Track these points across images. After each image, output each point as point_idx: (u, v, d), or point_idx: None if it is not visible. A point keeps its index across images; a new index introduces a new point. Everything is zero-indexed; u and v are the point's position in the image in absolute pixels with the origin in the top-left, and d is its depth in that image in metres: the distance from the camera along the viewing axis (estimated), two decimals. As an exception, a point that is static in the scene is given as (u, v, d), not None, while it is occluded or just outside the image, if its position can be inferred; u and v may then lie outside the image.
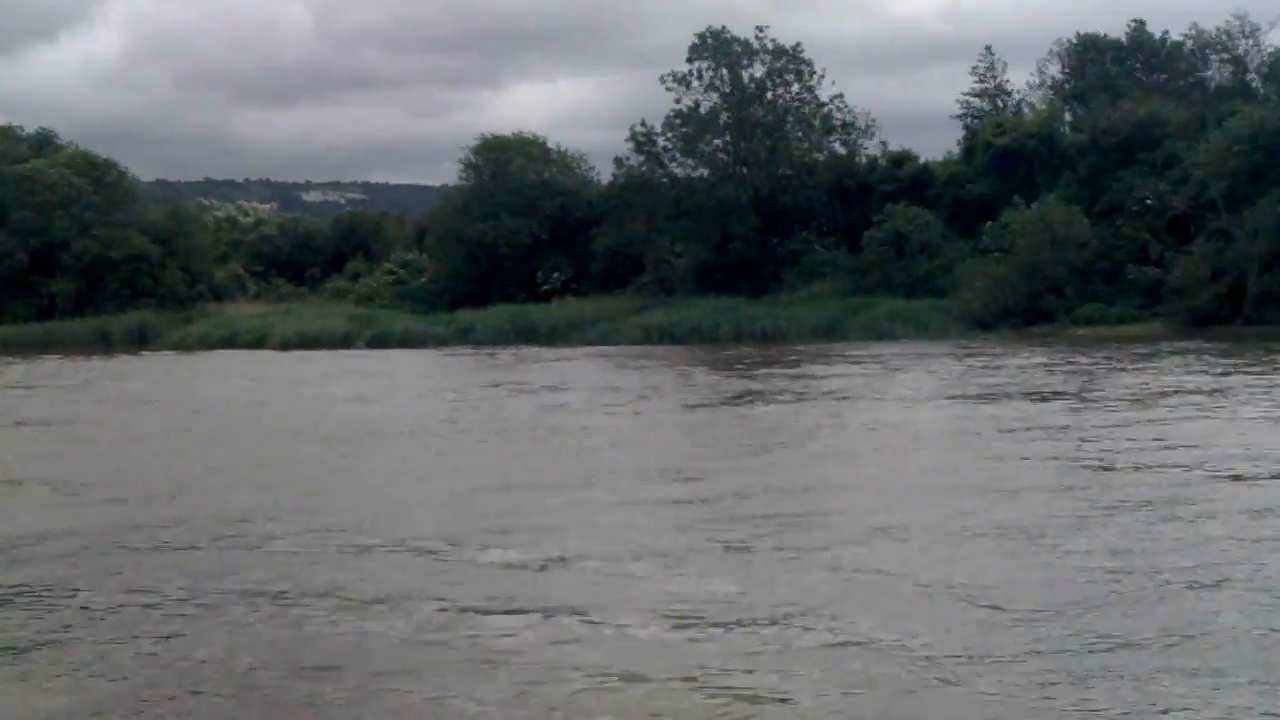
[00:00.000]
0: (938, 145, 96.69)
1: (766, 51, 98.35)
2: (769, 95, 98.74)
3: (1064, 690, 11.88)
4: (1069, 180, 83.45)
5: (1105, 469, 24.97)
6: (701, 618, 14.67)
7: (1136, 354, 54.96)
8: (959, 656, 12.94)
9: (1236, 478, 23.26)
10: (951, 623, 14.23)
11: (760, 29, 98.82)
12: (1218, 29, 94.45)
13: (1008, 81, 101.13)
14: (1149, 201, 78.04)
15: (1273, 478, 23.15)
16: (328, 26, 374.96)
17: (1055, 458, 26.62)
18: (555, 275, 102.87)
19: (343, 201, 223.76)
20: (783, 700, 12.01)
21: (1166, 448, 27.31)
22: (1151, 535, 18.40)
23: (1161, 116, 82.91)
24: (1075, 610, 14.42)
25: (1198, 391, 38.47)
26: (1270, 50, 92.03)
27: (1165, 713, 11.36)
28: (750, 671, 12.72)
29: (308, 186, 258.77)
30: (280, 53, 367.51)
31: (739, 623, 14.44)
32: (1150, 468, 24.75)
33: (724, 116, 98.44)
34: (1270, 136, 72.00)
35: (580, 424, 36.03)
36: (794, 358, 60.93)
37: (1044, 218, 78.16)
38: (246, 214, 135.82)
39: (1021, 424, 32.25)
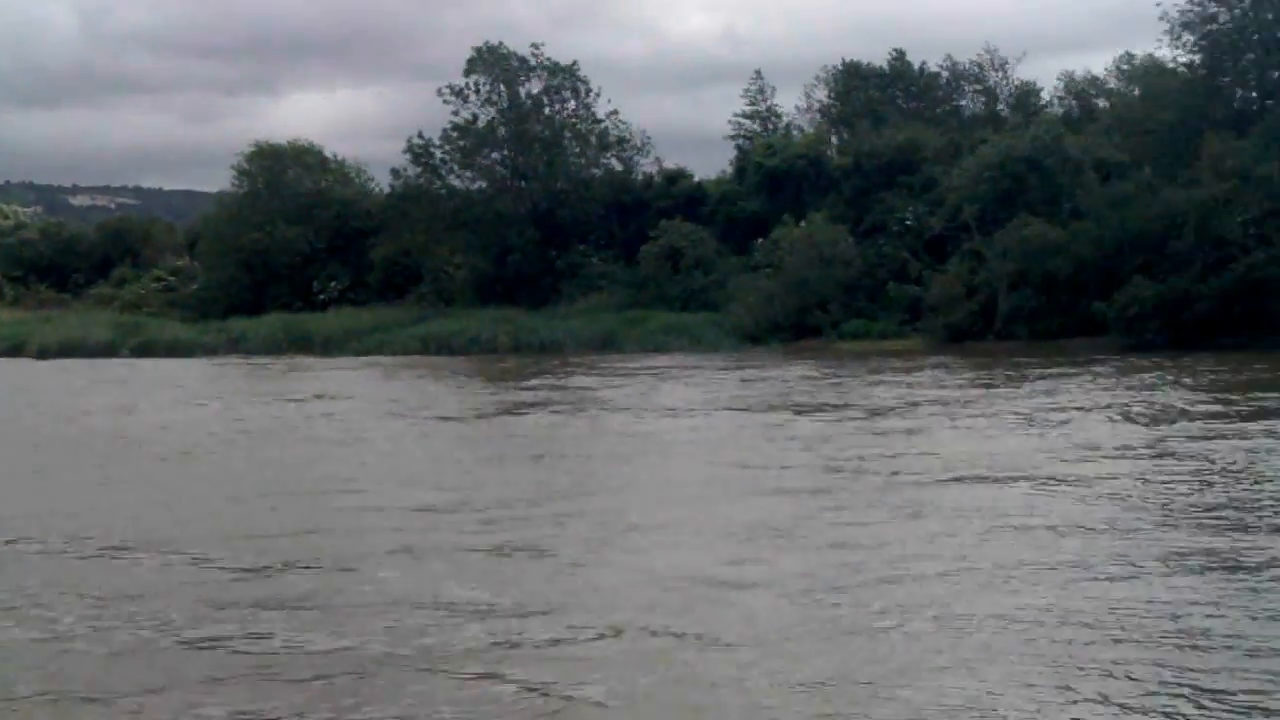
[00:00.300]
0: (716, 164, 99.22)
1: (543, 68, 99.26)
2: (546, 111, 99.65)
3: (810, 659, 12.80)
4: (835, 200, 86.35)
5: (854, 473, 26.33)
6: (451, 614, 15.31)
7: (895, 367, 57.34)
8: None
9: (961, 479, 24.92)
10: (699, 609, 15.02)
11: (536, 46, 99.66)
12: (971, 61, 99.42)
13: (778, 105, 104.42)
14: (909, 222, 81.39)
15: (987, 481, 24.79)
16: (95, 28, 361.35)
17: (808, 464, 27.94)
18: (332, 285, 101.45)
19: (113, 206, 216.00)
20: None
21: (909, 454, 28.96)
22: (881, 531, 19.76)
23: (920, 142, 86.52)
24: (818, 590, 15.46)
25: (945, 403, 40.64)
26: (1018, 83, 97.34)
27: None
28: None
29: (75, 190, 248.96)
30: (44, 53, 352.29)
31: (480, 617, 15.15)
32: (891, 473, 26.14)
33: (501, 131, 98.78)
34: (1016, 163, 75.78)
35: (344, 433, 35.91)
36: (570, 369, 61.52)
37: (811, 236, 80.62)
38: (5, 216, 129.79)
39: (782, 433, 33.74)
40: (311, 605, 15.70)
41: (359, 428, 36.76)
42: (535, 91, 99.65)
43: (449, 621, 14.76)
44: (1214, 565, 16.95)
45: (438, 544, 19.59)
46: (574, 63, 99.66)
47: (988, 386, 46.30)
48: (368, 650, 13.87)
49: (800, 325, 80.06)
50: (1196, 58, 75.16)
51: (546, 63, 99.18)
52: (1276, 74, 73.54)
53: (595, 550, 19.28)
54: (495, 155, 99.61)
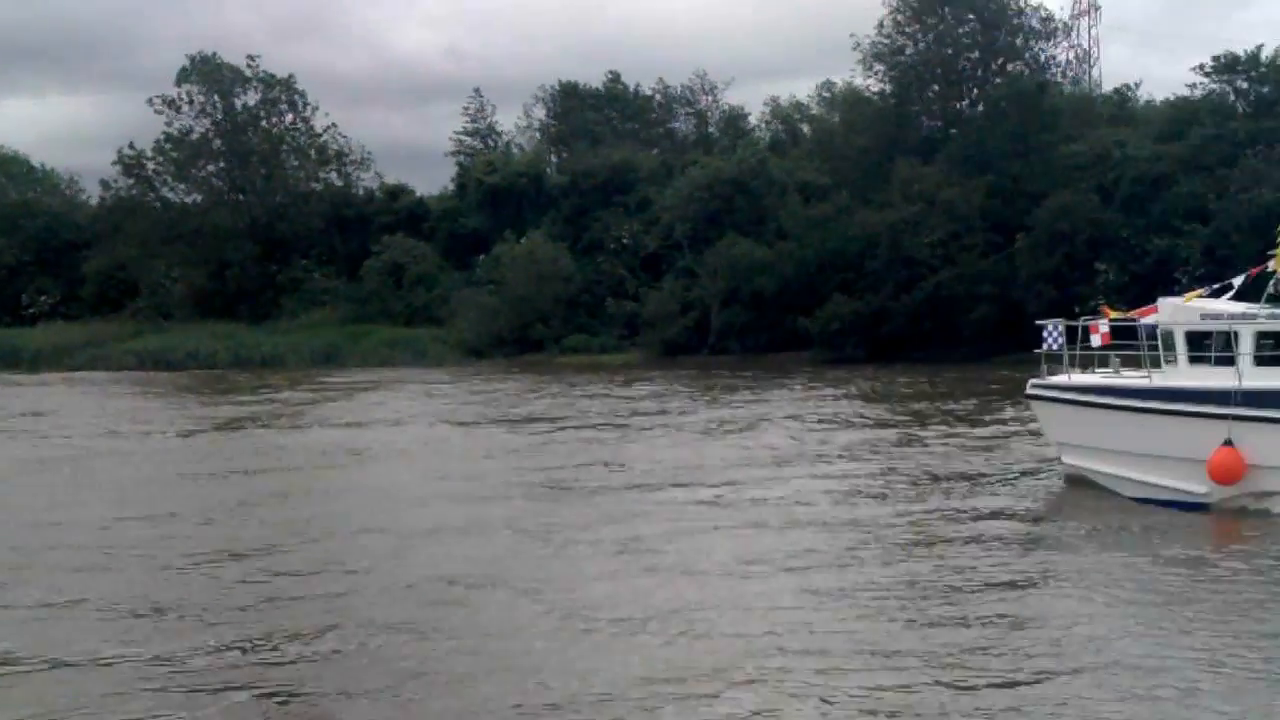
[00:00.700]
0: (442, 180, 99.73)
1: (259, 80, 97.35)
2: (263, 123, 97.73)
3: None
4: (554, 218, 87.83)
5: (553, 480, 28.08)
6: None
7: (612, 380, 59.15)
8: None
9: (653, 485, 27.05)
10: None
11: (252, 58, 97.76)
12: (683, 85, 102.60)
13: (498, 123, 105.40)
14: (625, 240, 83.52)
15: (683, 485, 26.73)
16: None
17: (518, 472, 29.44)
18: (42, 298, 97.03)
19: None
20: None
21: (615, 461, 31.00)
22: (586, 533, 21.02)
23: (634, 162, 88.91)
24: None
25: (654, 413, 42.98)
26: (727, 107, 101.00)
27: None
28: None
29: None
30: None
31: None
32: (598, 481, 27.99)
33: (217, 143, 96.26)
34: (724, 185, 78.85)
35: (49, 451, 35.16)
36: (290, 384, 60.95)
37: (532, 253, 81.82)
38: None
39: (498, 444, 35.18)
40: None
41: (60, 446, 35.98)
42: (251, 103, 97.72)
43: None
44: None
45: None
46: (290, 75, 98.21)
47: (695, 398, 48.60)
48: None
49: (523, 340, 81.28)
50: (888, 87, 79.75)
51: (263, 74, 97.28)
52: (958, 104, 78.77)
53: (308, 550, 20.74)
54: (211, 167, 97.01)
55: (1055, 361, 25.64)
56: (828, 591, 17.57)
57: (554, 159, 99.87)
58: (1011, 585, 17.87)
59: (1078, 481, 25.62)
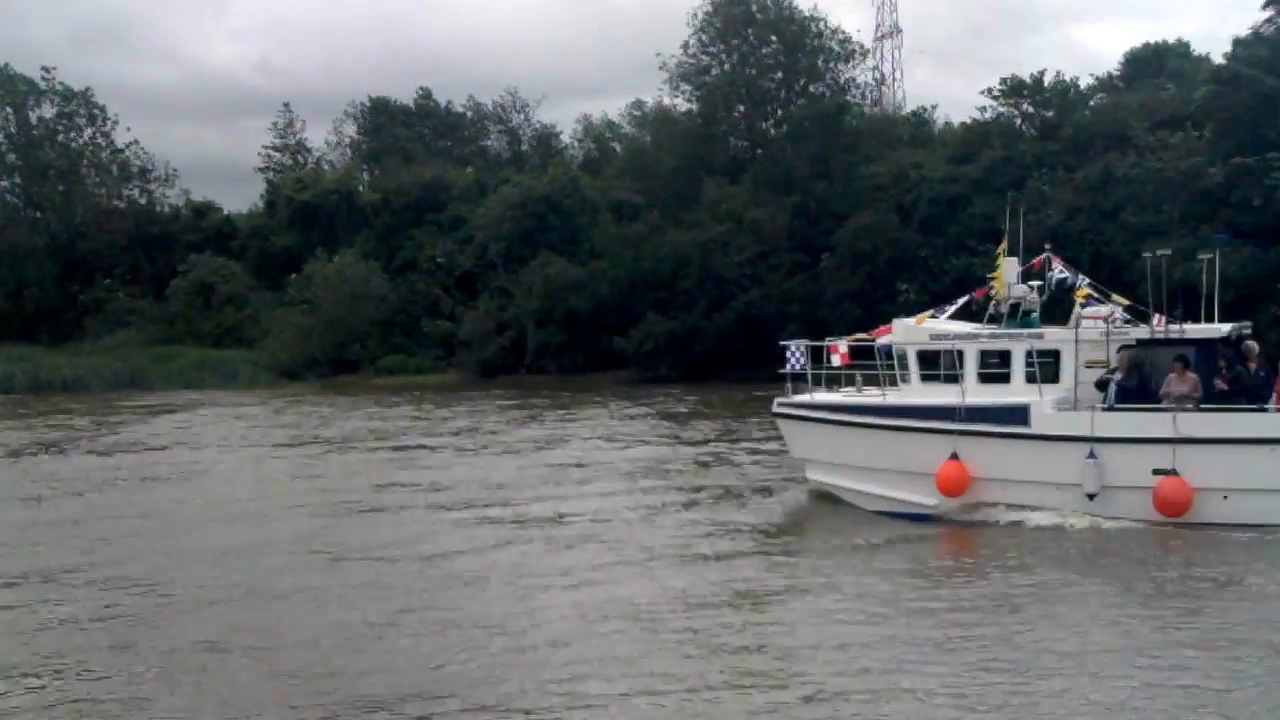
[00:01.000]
0: (253, 197, 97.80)
1: (55, 93, 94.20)
2: (60, 138, 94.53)
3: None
4: (367, 237, 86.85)
5: (344, 506, 28.08)
6: None
7: (428, 400, 58.97)
8: None
9: (438, 505, 27.54)
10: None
11: (47, 69, 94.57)
12: (494, 102, 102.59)
13: (308, 139, 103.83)
14: (440, 260, 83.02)
15: (475, 505, 26.99)
16: None
17: (320, 492, 29.58)
18: None
19: None
20: None
21: (422, 481, 31.30)
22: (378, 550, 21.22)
23: (447, 180, 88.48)
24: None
25: (463, 432, 43.31)
26: (539, 125, 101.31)
27: None
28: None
29: None
30: None
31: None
32: (388, 501, 28.37)
33: (11, 157, 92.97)
34: (537, 203, 79.07)
35: None
36: (90, 408, 59.09)
37: (343, 272, 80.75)
38: None
39: (298, 467, 35.13)
40: None
41: None
42: (48, 117, 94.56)
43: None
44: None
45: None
46: (87, 88, 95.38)
47: (503, 419, 48.66)
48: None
49: (337, 361, 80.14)
50: (695, 107, 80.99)
51: (59, 87, 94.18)
52: (764, 125, 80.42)
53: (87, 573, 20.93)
54: (5, 183, 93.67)
55: (804, 380, 26.58)
56: (593, 604, 18.19)
57: (366, 176, 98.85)
58: (758, 595, 18.62)
59: (823, 495, 26.70)
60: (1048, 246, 27.19)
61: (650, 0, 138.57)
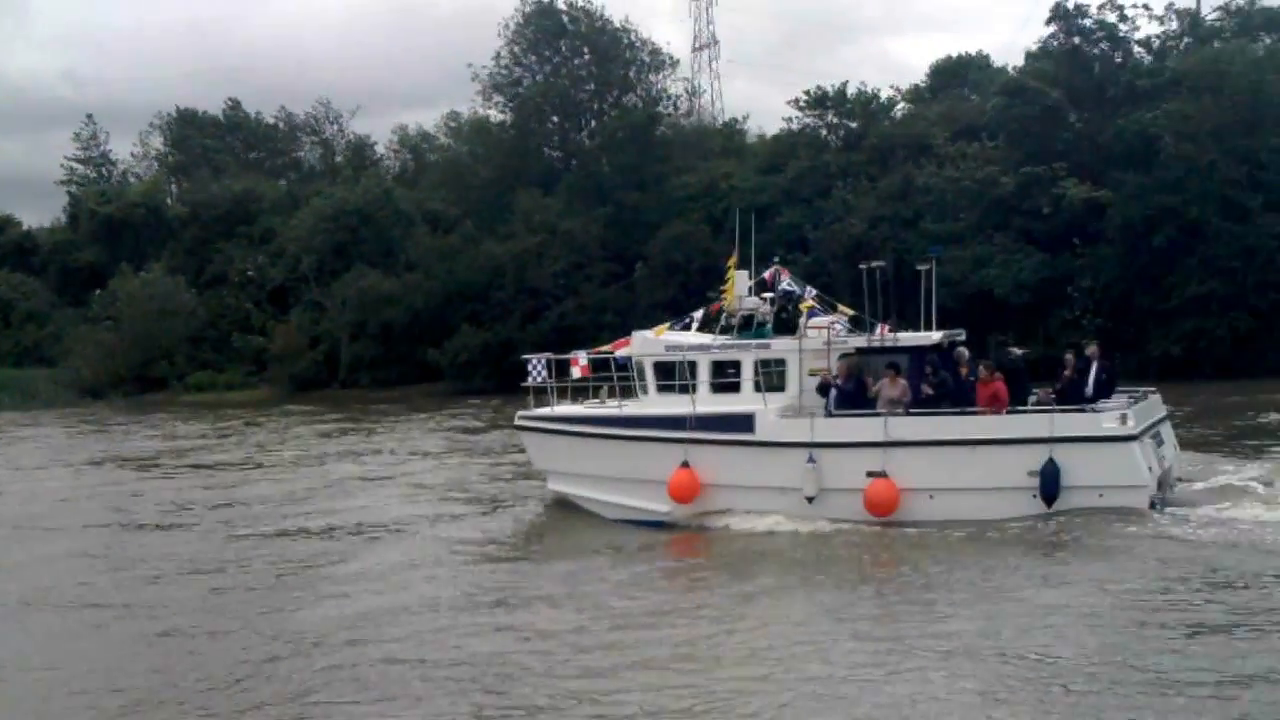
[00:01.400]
0: (57, 211, 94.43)
1: None
2: None
3: None
4: (175, 250, 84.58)
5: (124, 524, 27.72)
6: None
7: (233, 417, 57.53)
8: None
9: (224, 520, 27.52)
10: None
11: None
12: (306, 113, 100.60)
13: (113, 150, 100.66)
14: (250, 273, 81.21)
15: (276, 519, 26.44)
16: None
17: (123, 512, 28.77)
18: None
19: None
20: None
21: (224, 499, 30.91)
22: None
23: (257, 192, 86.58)
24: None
25: (270, 447, 42.53)
26: (353, 136, 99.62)
27: None
28: None
29: None
30: None
31: None
32: (171, 519, 28.15)
33: None
34: (349, 216, 77.81)
35: None
36: None
37: (149, 286, 78.41)
38: None
39: (81, 485, 34.56)
40: None
41: None
42: None
43: None
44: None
45: None
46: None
47: (306, 434, 47.93)
48: None
49: (144, 378, 77.69)
50: (509, 118, 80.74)
51: None
52: (577, 135, 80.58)
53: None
54: None
55: (565, 393, 26.90)
56: (364, 612, 18.37)
57: (175, 189, 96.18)
58: (499, 602, 18.92)
59: (565, 505, 26.98)
60: (775, 260, 27.83)
61: (467, 10, 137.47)
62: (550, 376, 26.42)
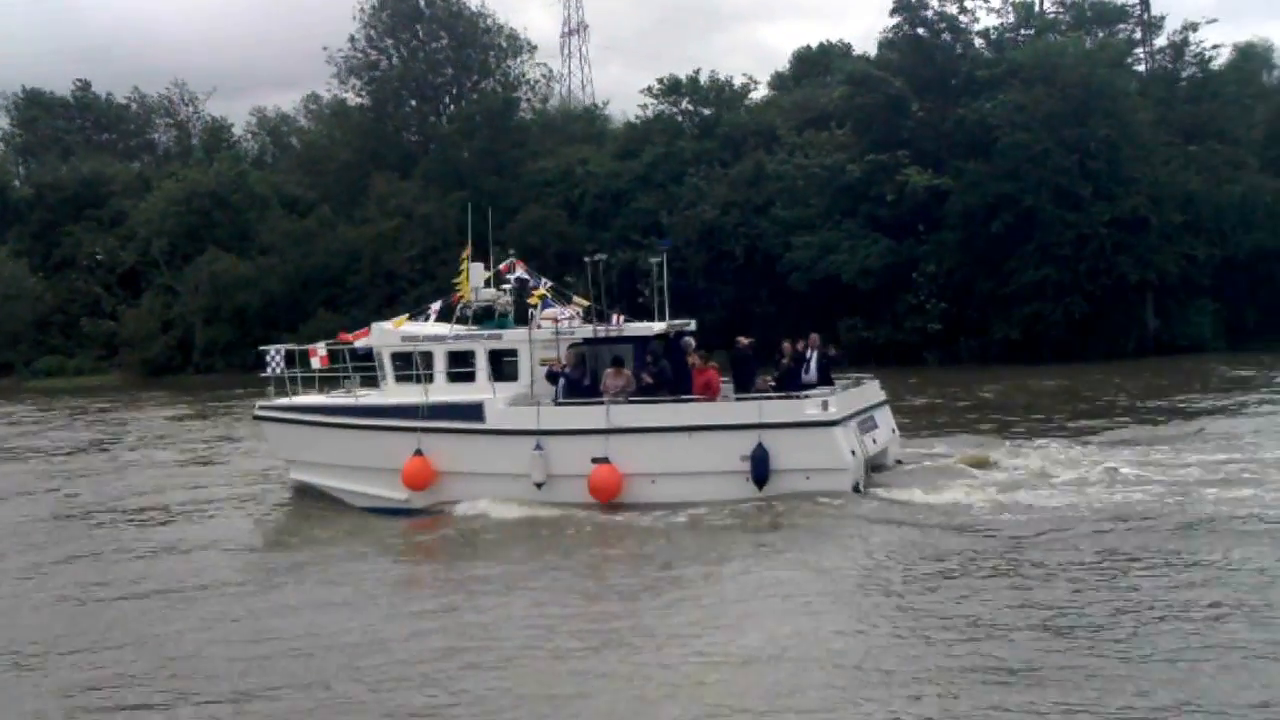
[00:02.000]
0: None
1: None
2: None
3: None
4: (21, 234, 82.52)
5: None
6: None
7: (78, 406, 56.53)
8: None
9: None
10: None
11: None
12: (160, 94, 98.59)
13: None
14: (100, 257, 79.55)
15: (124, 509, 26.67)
16: None
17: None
18: None
19: None
20: None
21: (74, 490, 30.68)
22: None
23: (107, 175, 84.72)
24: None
25: (118, 440, 42.01)
26: (210, 118, 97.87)
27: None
28: None
29: None
30: None
31: None
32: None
33: None
34: (202, 198, 76.71)
35: None
36: None
37: (-6, 270, 76.43)
38: None
39: None
40: None
41: None
42: None
43: None
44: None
45: None
46: None
47: (146, 421, 47.57)
48: None
49: (-11, 364, 75.90)
50: (366, 101, 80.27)
51: None
52: (434, 119, 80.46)
53: None
54: None
55: (295, 383, 27.37)
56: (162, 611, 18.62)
57: (22, 170, 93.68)
58: (236, 585, 19.85)
59: (310, 493, 27.59)
60: (511, 252, 28.98)
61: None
62: (293, 366, 26.90)
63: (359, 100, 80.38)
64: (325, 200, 76.65)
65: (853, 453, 23.59)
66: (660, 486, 23.67)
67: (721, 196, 64.68)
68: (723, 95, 71.19)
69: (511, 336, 25.69)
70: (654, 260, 26.76)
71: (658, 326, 25.67)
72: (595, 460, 23.80)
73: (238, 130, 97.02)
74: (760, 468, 23.14)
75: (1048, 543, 19.45)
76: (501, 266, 27.91)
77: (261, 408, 27.90)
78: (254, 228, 76.20)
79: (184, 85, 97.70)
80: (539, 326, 25.56)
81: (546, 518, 23.41)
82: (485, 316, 27.21)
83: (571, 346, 25.35)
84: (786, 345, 26.40)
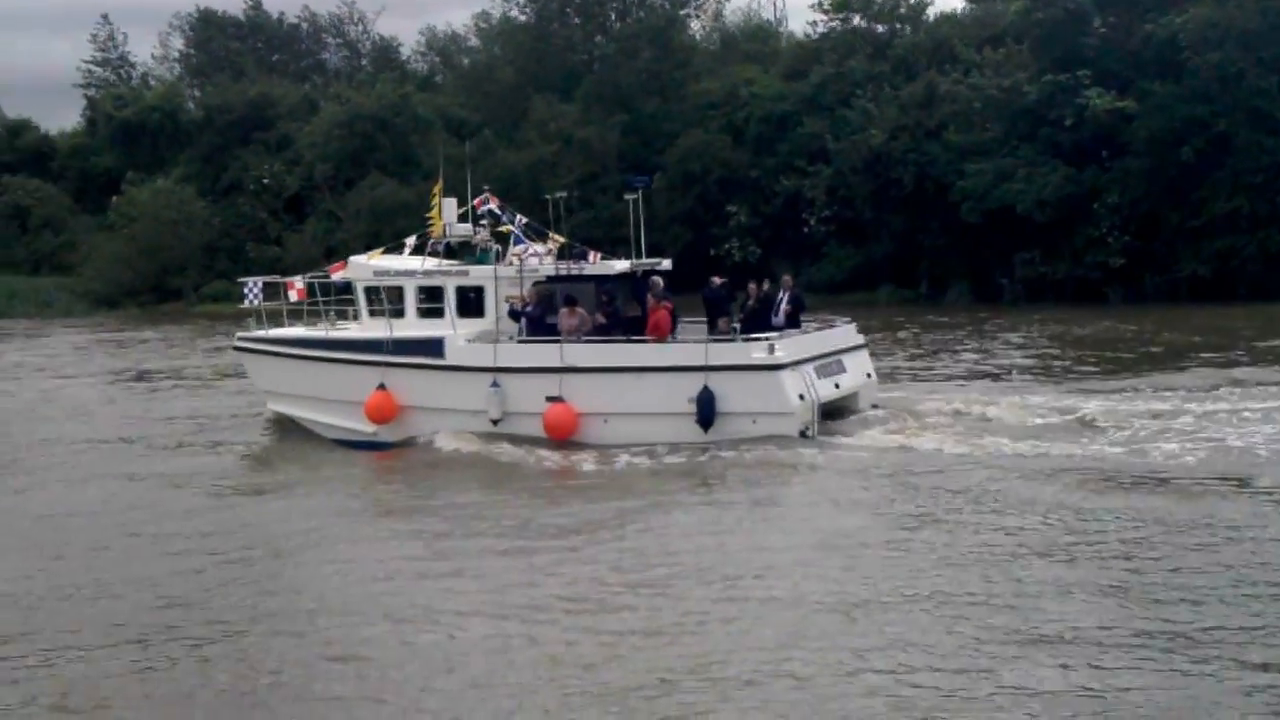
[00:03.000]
0: (74, 116, 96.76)
1: None
2: None
3: None
4: (191, 157, 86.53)
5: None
6: None
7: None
8: None
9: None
10: None
11: None
12: (330, 14, 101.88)
13: (132, 52, 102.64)
14: (266, 181, 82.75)
15: None
16: None
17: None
18: None
19: None
20: None
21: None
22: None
23: (275, 97, 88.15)
24: None
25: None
26: (378, 37, 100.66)
27: None
28: None
29: None
30: None
31: None
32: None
33: None
34: (365, 121, 79.25)
35: None
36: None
37: (161, 194, 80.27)
38: None
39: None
40: None
41: None
42: None
43: None
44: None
45: None
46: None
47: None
48: None
49: (159, 289, 79.74)
50: (530, 18, 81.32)
51: None
52: (598, 38, 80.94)
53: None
54: None
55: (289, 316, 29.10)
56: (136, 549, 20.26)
57: (197, 93, 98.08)
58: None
59: (288, 424, 29.51)
60: (486, 189, 29.81)
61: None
62: (274, 299, 28.73)
63: (524, 18, 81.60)
64: (488, 124, 78.23)
65: (800, 397, 24.57)
66: (612, 426, 25.09)
67: (891, 120, 64.00)
68: (897, 11, 70.20)
69: (478, 273, 27.13)
70: (629, 197, 27.97)
71: (619, 265, 26.87)
72: (550, 399, 25.20)
73: (406, 51, 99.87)
74: (706, 410, 24.45)
75: (955, 489, 20.68)
76: (475, 201, 29.02)
77: (241, 339, 29.92)
78: (415, 152, 78.45)
79: (353, 3, 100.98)
80: (510, 263, 26.85)
81: (504, 454, 25.05)
82: (464, 252, 28.77)
83: (535, 284, 26.56)
84: (753, 286, 27.51)
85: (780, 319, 26.73)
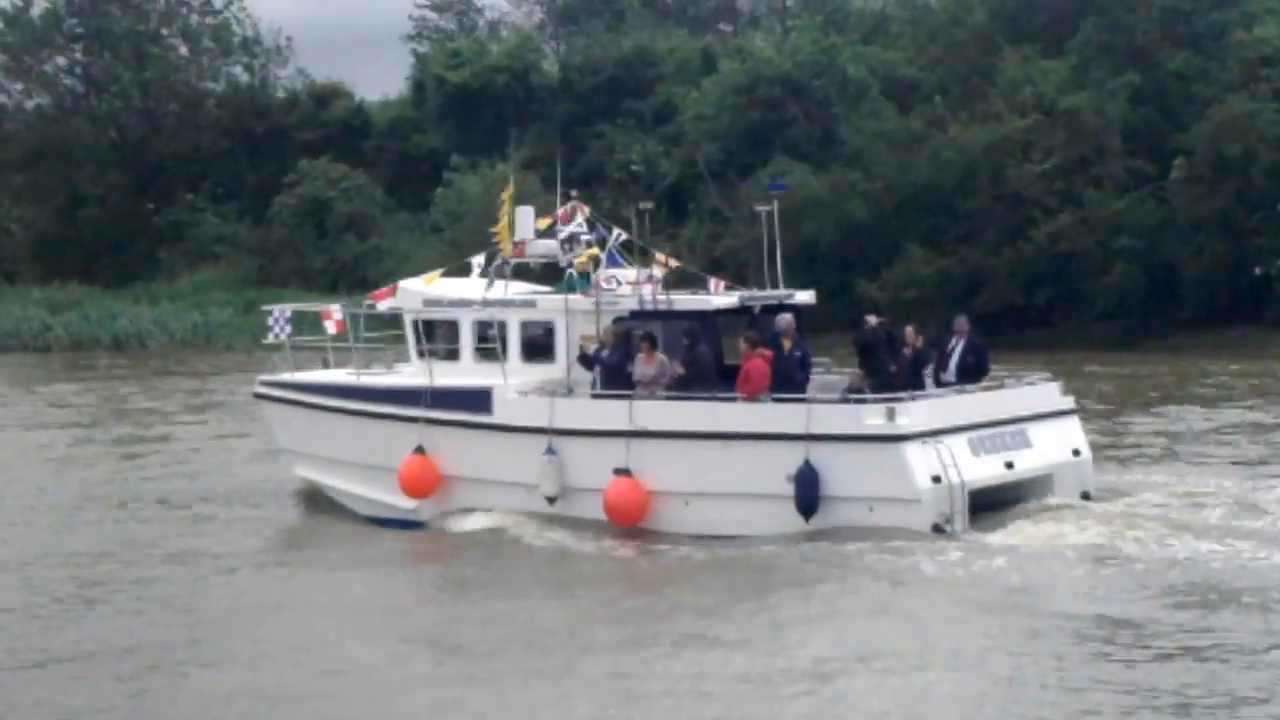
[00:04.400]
0: (390, 79, 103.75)
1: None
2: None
3: None
4: (540, 135, 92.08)
5: None
6: None
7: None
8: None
9: None
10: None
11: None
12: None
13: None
14: (635, 168, 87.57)
15: None
16: None
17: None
18: None
19: None
20: None
21: None
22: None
23: (656, 53, 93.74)
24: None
25: None
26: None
27: None
28: None
29: None
30: None
31: None
32: None
33: (69, 23, 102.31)
34: (772, 85, 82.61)
35: None
36: (138, 375, 67.49)
37: (498, 184, 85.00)
38: None
39: None
40: None
41: None
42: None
43: None
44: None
45: None
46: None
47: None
48: None
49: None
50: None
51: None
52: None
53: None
54: (61, 60, 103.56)
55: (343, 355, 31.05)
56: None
57: (560, 48, 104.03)
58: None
59: (316, 497, 31.57)
60: (574, 194, 31.08)
61: None
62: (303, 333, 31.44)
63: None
64: (942, 90, 79.72)
65: (935, 479, 25.12)
66: (693, 510, 26.50)
67: None
68: None
69: (546, 305, 28.71)
70: (761, 209, 29.25)
71: (717, 301, 28.17)
72: (617, 471, 26.56)
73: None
74: (807, 492, 25.40)
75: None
76: (560, 213, 30.50)
77: (262, 383, 32.26)
78: (837, 128, 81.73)
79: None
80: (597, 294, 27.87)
81: (555, 545, 26.79)
82: (550, 278, 30.41)
83: (615, 320, 27.79)
84: (910, 331, 28.40)
85: (951, 374, 27.92)
